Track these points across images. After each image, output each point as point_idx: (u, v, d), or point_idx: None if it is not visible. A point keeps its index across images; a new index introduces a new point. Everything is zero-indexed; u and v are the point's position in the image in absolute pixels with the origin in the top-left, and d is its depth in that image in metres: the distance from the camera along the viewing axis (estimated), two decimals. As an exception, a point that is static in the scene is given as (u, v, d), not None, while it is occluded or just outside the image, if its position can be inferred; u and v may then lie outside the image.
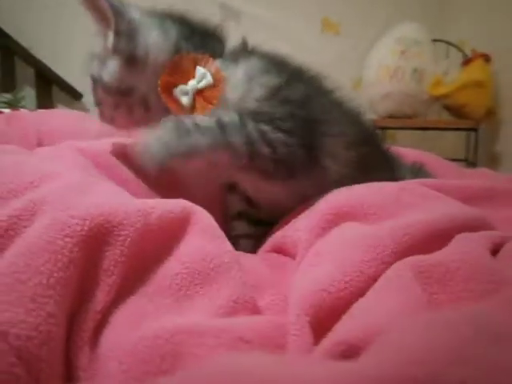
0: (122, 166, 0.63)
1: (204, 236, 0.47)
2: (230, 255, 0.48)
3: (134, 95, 0.62)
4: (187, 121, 0.57)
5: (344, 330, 0.35)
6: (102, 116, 0.65)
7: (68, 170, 0.43)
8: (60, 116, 0.97)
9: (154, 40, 0.62)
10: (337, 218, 0.59)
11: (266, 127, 0.60)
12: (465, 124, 1.50)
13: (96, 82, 0.63)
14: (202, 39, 0.65)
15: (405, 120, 1.52)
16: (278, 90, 0.63)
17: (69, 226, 0.33)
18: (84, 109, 1.67)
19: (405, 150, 1.05)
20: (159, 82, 0.62)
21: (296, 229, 0.59)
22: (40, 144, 0.78)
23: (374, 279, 0.43)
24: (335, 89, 0.76)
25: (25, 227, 0.34)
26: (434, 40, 1.62)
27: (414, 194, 0.64)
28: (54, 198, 0.36)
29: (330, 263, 0.45)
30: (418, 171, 0.87)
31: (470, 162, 1.67)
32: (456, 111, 1.53)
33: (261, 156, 0.59)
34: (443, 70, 1.52)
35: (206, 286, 0.43)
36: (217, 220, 0.50)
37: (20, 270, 0.30)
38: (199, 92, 0.63)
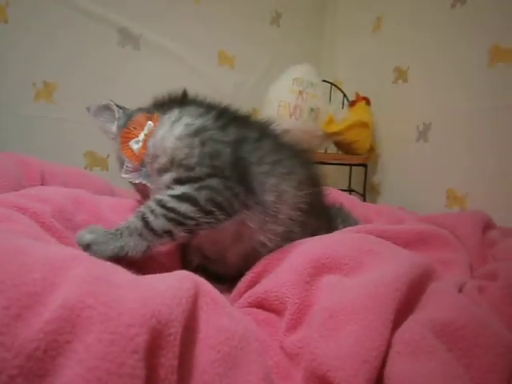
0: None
1: (217, 310, 0.45)
2: (243, 325, 0.46)
3: None
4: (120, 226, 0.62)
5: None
6: None
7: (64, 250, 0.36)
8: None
9: (135, 114, 0.76)
10: (316, 271, 0.61)
11: (186, 190, 0.64)
12: (357, 160, 1.69)
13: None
14: (164, 104, 0.76)
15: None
16: (202, 129, 0.68)
17: (130, 339, 0.28)
18: None
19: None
20: (122, 135, 0.73)
21: (279, 284, 0.59)
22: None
23: (390, 340, 0.46)
24: (283, 133, 0.79)
25: (69, 343, 0.27)
26: (323, 81, 1.79)
27: (370, 242, 0.70)
28: (90, 299, 0.30)
29: (350, 327, 0.46)
30: (346, 216, 0.94)
31: (352, 190, 1.88)
32: (345, 147, 1.70)
33: (192, 219, 0.62)
34: (334, 109, 1.69)
35: (237, 368, 0.40)
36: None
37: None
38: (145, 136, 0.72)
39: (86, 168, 1.55)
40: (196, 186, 0.63)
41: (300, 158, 0.76)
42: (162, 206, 0.62)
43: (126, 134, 0.72)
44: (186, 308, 0.37)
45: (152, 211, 0.61)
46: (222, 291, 0.69)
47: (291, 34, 2.07)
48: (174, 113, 0.72)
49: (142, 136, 0.70)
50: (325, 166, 1.61)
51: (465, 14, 1.41)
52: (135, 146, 0.71)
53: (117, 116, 0.76)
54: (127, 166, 0.70)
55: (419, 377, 0.41)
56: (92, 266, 0.36)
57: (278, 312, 0.58)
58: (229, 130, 0.69)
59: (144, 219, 0.61)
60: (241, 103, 1.93)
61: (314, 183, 0.75)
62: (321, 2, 2.18)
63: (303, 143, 1.67)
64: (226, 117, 0.72)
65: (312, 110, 1.61)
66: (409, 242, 0.79)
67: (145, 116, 0.73)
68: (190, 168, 0.65)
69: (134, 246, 0.59)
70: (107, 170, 1.57)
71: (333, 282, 0.58)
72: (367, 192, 1.77)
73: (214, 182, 0.63)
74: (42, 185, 0.86)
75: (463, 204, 1.39)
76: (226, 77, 1.88)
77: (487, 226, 0.88)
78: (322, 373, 0.40)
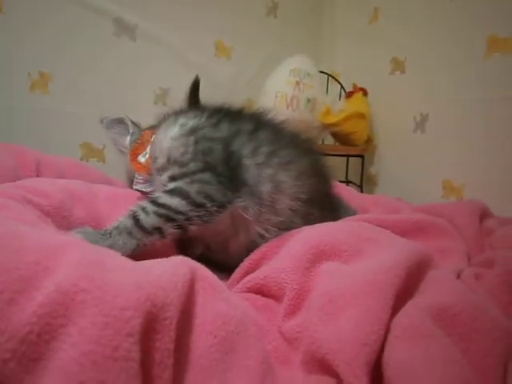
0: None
1: (214, 295, 0.45)
2: (241, 310, 0.46)
3: None
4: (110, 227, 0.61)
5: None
6: None
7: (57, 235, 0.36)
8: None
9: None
10: (315, 257, 0.61)
11: (178, 185, 0.65)
12: (354, 151, 1.68)
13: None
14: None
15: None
16: (196, 129, 0.70)
17: (125, 322, 0.28)
18: None
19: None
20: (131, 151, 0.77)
21: (278, 270, 0.59)
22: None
23: (388, 325, 0.46)
24: (283, 123, 0.79)
25: (63, 327, 0.27)
26: (320, 72, 1.78)
27: (369, 230, 0.70)
28: (84, 283, 0.30)
29: (350, 312, 0.46)
30: (345, 207, 0.94)
31: (349, 182, 1.88)
32: (342, 138, 1.70)
33: (182, 213, 0.62)
34: (331, 100, 1.68)
35: (234, 352, 0.40)
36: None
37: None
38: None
39: (82, 159, 1.54)
40: (188, 180, 0.64)
41: (301, 147, 0.75)
42: (153, 202, 0.62)
43: (135, 149, 0.75)
44: (182, 292, 0.37)
45: (143, 209, 0.62)
46: (220, 278, 0.69)
47: (288, 25, 2.05)
48: (171, 118, 0.76)
49: (148, 149, 0.74)
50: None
51: (462, 5, 1.40)
52: (143, 159, 0.74)
53: (130, 131, 0.78)
54: (137, 178, 0.73)
55: (418, 361, 0.40)
56: (87, 251, 0.36)
57: (276, 298, 0.58)
58: (221, 126, 0.71)
59: (135, 217, 0.61)
60: (238, 94, 1.94)
61: (317, 173, 0.75)
62: (318, -7, 2.16)
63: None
64: (219, 113, 0.74)
65: (309, 100, 1.60)
66: (407, 230, 0.79)
67: (151, 132, 0.76)
68: (184, 164, 0.67)
69: (123, 244, 0.59)
70: (104, 161, 1.56)
71: (331, 269, 0.58)
72: (364, 183, 1.77)
73: (206, 175, 0.64)
74: (38, 175, 0.85)
75: (460, 194, 1.39)
76: (222, 68, 1.87)
77: (484, 214, 0.88)
78: (320, 356, 0.40)
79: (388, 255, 0.58)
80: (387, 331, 0.45)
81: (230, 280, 0.67)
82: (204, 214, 0.62)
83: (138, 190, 0.76)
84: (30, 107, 1.43)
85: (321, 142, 1.86)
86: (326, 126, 1.66)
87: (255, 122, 0.74)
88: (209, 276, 0.46)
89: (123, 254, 0.58)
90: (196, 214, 0.62)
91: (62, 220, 0.64)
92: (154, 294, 0.32)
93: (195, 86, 0.92)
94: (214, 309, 0.42)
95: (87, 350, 0.26)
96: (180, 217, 0.61)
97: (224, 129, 0.70)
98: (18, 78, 1.42)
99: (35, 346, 0.26)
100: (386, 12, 1.79)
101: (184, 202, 0.61)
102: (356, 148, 1.68)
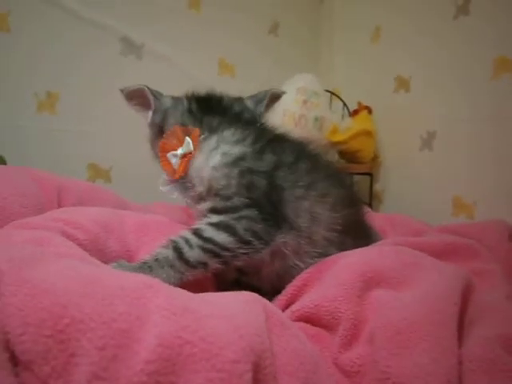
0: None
1: (284, 331, 0.43)
2: (309, 346, 0.45)
3: None
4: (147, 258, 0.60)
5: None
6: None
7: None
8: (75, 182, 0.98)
9: (170, 116, 0.78)
10: (366, 285, 0.60)
11: (224, 219, 0.63)
12: (362, 169, 1.69)
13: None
14: (201, 115, 0.76)
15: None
16: (239, 159, 0.67)
17: (240, 377, 0.26)
18: None
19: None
20: (160, 145, 0.74)
21: (330, 299, 0.58)
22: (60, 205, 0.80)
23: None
24: (320, 153, 0.79)
25: None
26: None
27: (409, 254, 0.69)
28: (187, 334, 0.28)
29: (422, 345, 0.45)
30: (377, 234, 0.93)
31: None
32: (349, 156, 1.70)
33: (229, 250, 0.61)
34: (338, 118, 1.69)
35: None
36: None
37: None
38: (183, 156, 0.71)
39: (88, 180, 1.51)
40: (234, 215, 0.62)
41: (335, 178, 0.75)
42: (199, 235, 0.60)
43: (163, 144, 0.72)
44: (267, 335, 0.35)
45: (187, 241, 0.60)
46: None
47: (289, 44, 2.07)
48: (212, 141, 0.71)
49: (180, 151, 0.70)
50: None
51: (468, 25, 1.43)
52: (173, 159, 0.70)
53: (152, 108, 0.77)
54: (164, 179, 0.70)
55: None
56: (170, 295, 0.34)
57: (328, 327, 0.57)
58: (265, 156, 0.69)
59: (177, 250, 0.59)
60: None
61: (350, 203, 0.75)
62: (317, 11, 2.19)
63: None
64: (262, 140, 0.71)
65: (316, 119, 1.61)
66: (441, 253, 0.79)
67: (181, 129, 0.72)
68: (227, 198, 0.64)
69: (167, 278, 0.57)
70: (110, 182, 1.53)
71: (385, 298, 0.57)
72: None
73: (251, 212, 0.63)
74: (59, 202, 0.82)
75: (471, 212, 1.40)
76: (226, 86, 1.87)
77: (511, 234, 0.89)
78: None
79: (439, 281, 0.57)
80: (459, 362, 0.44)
81: (273, 307, 0.65)
82: (250, 252, 0.61)
83: (165, 192, 0.73)
84: (37, 127, 1.40)
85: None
86: (333, 144, 1.66)
87: (295, 153, 0.72)
88: (276, 312, 0.45)
89: None
90: (242, 251, 0.61)
91: (98, 253, 0.62)
92: (253, 341, 0.30)
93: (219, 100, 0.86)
94: (289, 347, 0.40)
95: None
96: (226, 253, 0.60)
97: (267, 160, 0.68)
98: (24, 98, 1.40)
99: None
100: (387, 31, 1.81)
101: (231, 239, 0.60)
102: (364, 166, 1.69)
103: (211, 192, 0.66)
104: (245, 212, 0.62)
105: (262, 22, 2.02)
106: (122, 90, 0.77)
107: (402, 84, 1.71)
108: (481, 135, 1.37)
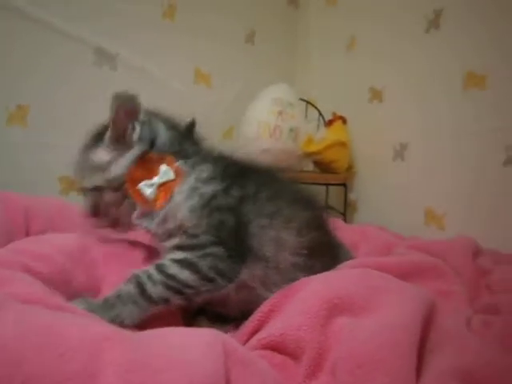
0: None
1: (244, 369, 0.44)
2: (272, 380, 0.45)
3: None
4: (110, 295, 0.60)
5: None
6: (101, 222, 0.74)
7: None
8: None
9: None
10: (330, 313, 0.61)
11: (188, 256, 0.62)
12: (336, 179, 1.71)
13: (100, 189, 0.72)
14: (176, 142, 0.73)
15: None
16: (212, 198, 0.67)
17: None
18: None
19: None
20: (128, 175, 0.70)
21: (295, 327, 0.58)
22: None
23: None
24: (286, 179, 0.80)
25: None
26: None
27: (374, 277, 0.71)
28: None
29: (381, 379, 0.46)
30: (346, 252, 0.94)
31: (330, 208, 1.91)
32: (324, 166, 1.72)
33: (192, 288, 0.61)
34: (313, 128, 1.71)
35: None
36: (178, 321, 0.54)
37: None
38: (161, 185, 0.69)
39: (61, 193, 1.48)
40: (199, 253, 0.62)
41: (301, 202, 0.76)
42: (162, 271, 0.60)
43: (134, 171, 0.69)
44: (224, 379, 0.36)
45: (149, 277, 0.60)
46: (226, 330, 0.68)
47: (265, 52, 2.08)
48: (190, 180, 0.69)
49: (156, 180, 0.68)
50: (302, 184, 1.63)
51: (439, 38, 1.47)
52: (148, 190, 0.68)
53: (140, 120, 0.73)
54: (138, 212, 0.69)
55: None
56: (127, 348, 0.34)
57: (293, 356, 0.57)
58: (232, 192, 0.68)
59: (140, 286, 0.59)
60: (218, 122, 1.94)
61: (317, 225, 0.75)
62: (293, 21, 2.20)
63: (282, 162, 1.69)
64: (230, 174, 0.71)
65: (291, 130, 1.62)
66: (407, 273, 0.80)
67: (156, 157, 0.70)
68: (194, 236, 0.64)
69: (129, 314, 0.58)
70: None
71: (349, 326, 0.58)
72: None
73: (217, 249, 0.63)
74: (27, 226, 0.81)
75: (441, 223, 1.44)
76: (202, 95, 1.87)
77: (476, 252, 0.91)
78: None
79: (402, 308, 0.59)
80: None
81: (240, 333, 0.66)
82: (213, 288, 0.62)
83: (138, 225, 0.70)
84: (7, 141, 1.37)
85: (301, 170, 1.88)
86: (307, 155, 1.68)
87: (258, 182, 0.72)
88: (236, 349, 0.45)
89: (130, 324, 0.57)
90: (206, 288, 0.61)
91: (64, 285, 0.61)
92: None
93: (190, 129, 0.88)
94: (249, 388, 0.41)
95: None
96: (189, 290, 0.60)
97: (234, 195, 0.68)
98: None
99: None
100: (362, 41, 1.84)
101: (194, 277, 0.60)
102: (338, 176, 1.71)
103: (180, 230, 0.66)
104: (210, 249, 0.62)
105: (238, 31, 2.02)
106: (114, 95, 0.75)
107: (375, 95, 1.74)
108: (452, 147, 1.41)
